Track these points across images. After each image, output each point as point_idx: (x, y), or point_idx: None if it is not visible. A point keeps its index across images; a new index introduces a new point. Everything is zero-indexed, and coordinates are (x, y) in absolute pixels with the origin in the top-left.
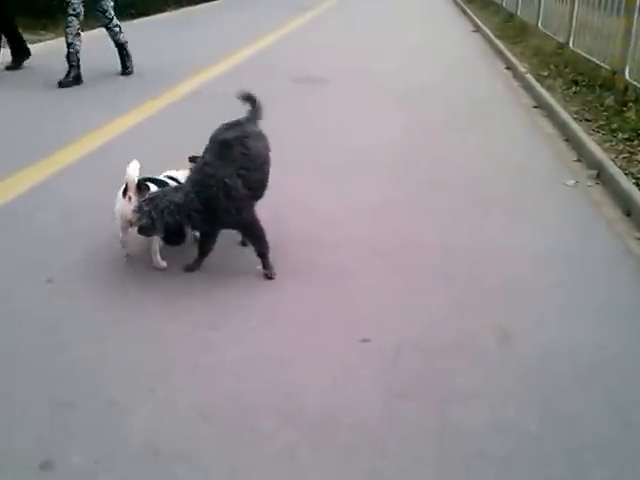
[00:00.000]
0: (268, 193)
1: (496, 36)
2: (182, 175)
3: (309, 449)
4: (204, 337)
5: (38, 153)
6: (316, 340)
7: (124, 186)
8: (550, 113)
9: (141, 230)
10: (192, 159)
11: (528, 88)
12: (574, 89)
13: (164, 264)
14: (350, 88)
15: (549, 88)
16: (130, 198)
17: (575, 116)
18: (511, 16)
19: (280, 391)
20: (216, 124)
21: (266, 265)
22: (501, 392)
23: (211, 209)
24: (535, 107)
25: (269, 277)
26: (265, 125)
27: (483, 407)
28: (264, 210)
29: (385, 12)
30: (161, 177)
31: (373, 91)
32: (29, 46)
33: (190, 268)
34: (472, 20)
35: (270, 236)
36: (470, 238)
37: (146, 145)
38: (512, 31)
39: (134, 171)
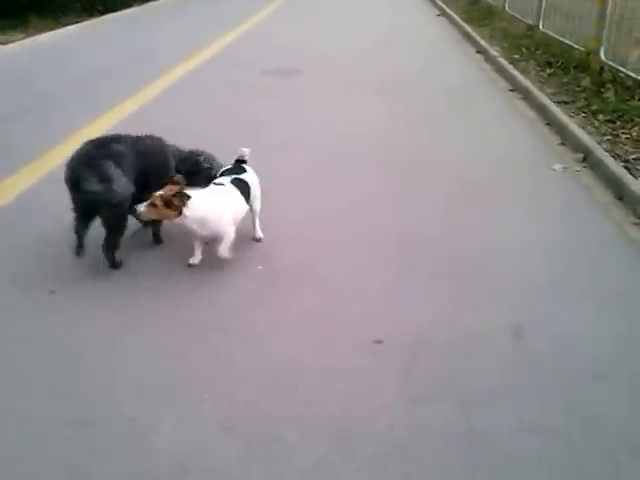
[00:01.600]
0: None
1: (462, 19)
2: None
3: (340, 460)
4: (215, 344)
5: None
6: (328, 343)
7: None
8: (527, 96)
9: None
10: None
11: (501, 71)
12: (548, 71)
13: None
14: (323, 80)
15: (523, 71)
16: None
17: (553, 98)
18: None
19: (300, 400)
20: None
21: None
22: (522, 391)
23: None
24: (511, 90)
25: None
26: (241, 120)
27: (506, 408)
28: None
29: (346, 3)
30: None
31: (346, 81)
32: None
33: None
34: (436, 4)
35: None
36: (465, 231)
37: None
38: (478, 14)
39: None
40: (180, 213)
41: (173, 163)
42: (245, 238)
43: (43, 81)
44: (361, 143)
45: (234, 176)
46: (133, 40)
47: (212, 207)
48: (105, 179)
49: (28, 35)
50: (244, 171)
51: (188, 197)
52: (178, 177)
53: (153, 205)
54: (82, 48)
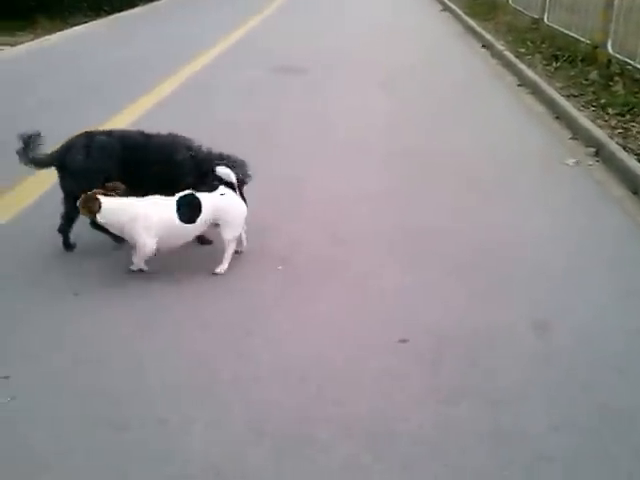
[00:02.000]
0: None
1: (466, 14)
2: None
3: (370, 460)
4: (239, 344)
5: None
6: (353, 342)
7: (227, 191)
8: (535, 90)
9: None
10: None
11: (508, 66)
12: (555, 64)
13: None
14: (329, 76)
15: (529, 65)
16: (242, 193)
17: (561, 92)
18: None
19: (328, 399)
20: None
21: None
22: (549, 388)
23: None
24: (519, 85)
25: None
26: (252, 119)
27: (534, 406)
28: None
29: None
30: None
31: (354, 77)
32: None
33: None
34: None
35: (284, 233)
36: (481, 226)
37: None
38: (481, 8)
39: (225, 169)
40: (94, 216)
41: (184, 162)
42: (264, 239)
43: (48, 84)
44: (369, 138)
45: (191, 192)
46: (141, 40)
47: (125, 214)
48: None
49: (37, 36)
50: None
51: (99, 203)
52: (117, 183)
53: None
54: (91, 48)
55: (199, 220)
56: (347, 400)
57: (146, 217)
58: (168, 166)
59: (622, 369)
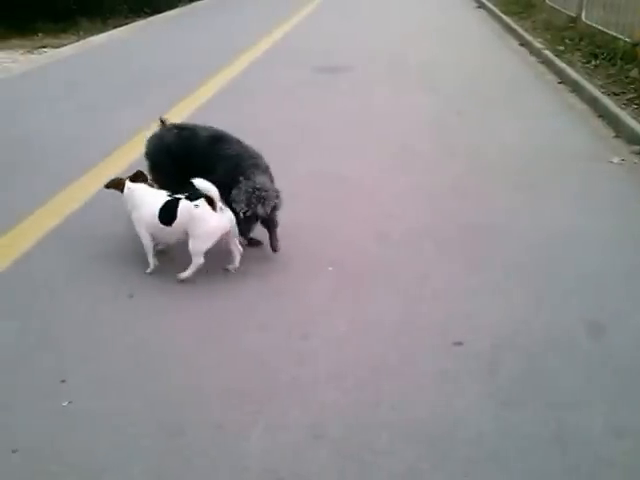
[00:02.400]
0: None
1: (501, 12)
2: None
3: (431, 465)
4: (295, 348)
5: None
6: (409, 346)
7: (206, 203)
8: (576, 89)
9: (258, 217)
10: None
11: (547, 64)
12: (594, 62)
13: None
14: (373, 74)
15: (569, 63)
16: (222, 208)
17: (602, 90)
18: None
19: (386, 404)
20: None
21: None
22: (609, 391)
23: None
24: (560, 83)
25: (277, 250)
26: (296, 119)
27: (595, 410)
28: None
29: None
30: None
31: (395, 76)
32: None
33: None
34: None
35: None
36: (529, 224)
37: None
38: (517, 6)
39: (205, 182)
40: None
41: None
42: (312, 240)
43: (89, 88)
44: (414, 136)
45: (177, 196)
46: (181, 41)
47: (130, 203)
48: None
49: (80, 38)
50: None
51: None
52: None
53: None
54: (132, 50)
55: (174, 224)
56: (405, 404)
57: (139, 209)
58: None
59: None
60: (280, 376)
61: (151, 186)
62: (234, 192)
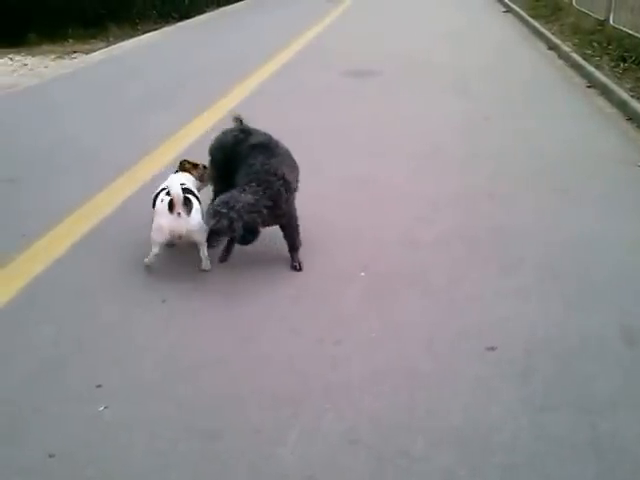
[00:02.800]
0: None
1: (529, 15)
2: (184, 179)
3: (467, 471)
4: (329, 353)
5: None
6: (442, 351)
7: (167, 202)
8: (605, 92)
9: (218, 232)
10: (183, 164)
11: (576, 67)
12: (623, 66)
13: (209, 266)
14: (401, 78)
15: (597, 66)
16: (179, 214)
17: (631, 94)
18: None
19: (420, 409)
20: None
21: (295, 258)
22: None
23: (276, 204)
24: (588, 86)
25: (297, 269)
26: (326, 123)
27: (630, 415)
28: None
29: (412, 0)
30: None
31: (424, 80)
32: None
33: (223, 259)
34: (500, 0)
35: (363, 237)
36: (559, 228)
37: None
38: (545, 10)
39: (178, 187)
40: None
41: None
42: (344, 244)
43: (120, 92)
44: (444, 139)
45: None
46: (210, 46)
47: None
48: None
49: (109, 43)
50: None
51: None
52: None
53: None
54: (161, 55)
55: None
56: (440, 409)
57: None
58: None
59: None
60: (314, 381)
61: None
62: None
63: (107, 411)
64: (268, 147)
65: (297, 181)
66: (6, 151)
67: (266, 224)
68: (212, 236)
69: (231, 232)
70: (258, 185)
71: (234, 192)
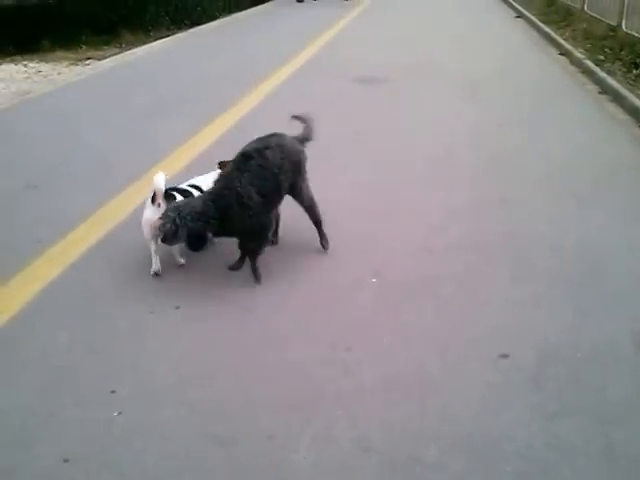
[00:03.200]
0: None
1: (541, 21)
2: (211, 179)
3: (481, 479)
4: (341, 359)
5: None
6: (454, 357)
7: (152, 195)
8: (617, 98)
9: (165, 237)
10: (221, 164)
11: (588, 73)
12: (635, 72)
13: (183, 260)
14: (413, 84)
15: (609, 72)
16: (159, 205)
17: None
18: (552, 0)
19: (433, 416)
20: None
21: (255, 269)
22: None
23: (227, 217)
24: (600, 93)
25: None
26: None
27: None
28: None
29: (424, 4)
30: (184, 186)
31: (436, 85)
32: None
33: (234, 267)
34: (512, 6)
35: (376, 243)
36: (574, 235)
37: None
38: (556, 15)
39: (161, 180)
40: None
41: None
42: (356, 250)
43: (133, 99)
44: (456, 146)
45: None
46: (222, 53)
47: None
48: None
49: (122, 50)
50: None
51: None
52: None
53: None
54: (173, 62)
55: None
56: (452, 417)
57: None
58: None
59: None
60: (326, 387)
61: None
62: None
63: (121, 416)
64: (247, 159)
65: (276, 195)
66: (23, 158)
67: (221, 234)
68: (164, 240)
69: (175, 237)
70: (211, 195)
71: (192, 199)
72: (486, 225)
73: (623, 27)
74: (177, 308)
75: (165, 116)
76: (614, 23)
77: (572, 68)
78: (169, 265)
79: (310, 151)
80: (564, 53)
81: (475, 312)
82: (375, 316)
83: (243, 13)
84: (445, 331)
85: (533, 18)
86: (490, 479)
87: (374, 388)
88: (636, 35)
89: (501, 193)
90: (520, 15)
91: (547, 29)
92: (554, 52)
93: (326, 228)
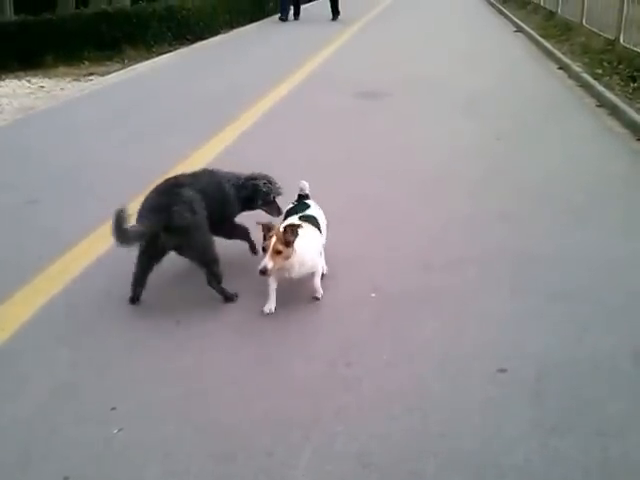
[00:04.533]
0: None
1: (540, 35)
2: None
3: None
4: (341, 375)
5: None
6: (454, 372)
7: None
8: (615, 112)
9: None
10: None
11: (586, 87)
12: (633, 85)
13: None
14: (412, 100)
15: (607, 86)
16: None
17: None
18: (551, 14)
19: (432, 430)
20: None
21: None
22: None
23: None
24: (598, 106)
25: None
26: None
27: None
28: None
29: (423, 19)
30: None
31: (435, 101)
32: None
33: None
34: (511, 20)
35: (374, 259)
36: (572, 249)
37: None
38: (555, 30)
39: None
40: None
41: (230, 191)
42: (355, 265)
43: (135, 115)
44: (455, 162)
45: (301, 214)
46: (224, 67)
47: (309, 241)
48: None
49: (125, 65)
50: (308, 207)
51: (299, 226)
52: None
53: (277, 252)
54: (177, 76)
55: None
56: (452, 432)
57: (319, 242)
58: (221, 203)
59: None
60: (326, 404)
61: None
62: (263, 186)
63: (122, 433)
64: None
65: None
66: (26, 173)
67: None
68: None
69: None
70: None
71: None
72: (485, 240)
73: (621, 41)
74: (178, 323)
75: (167, 132)
76: (612, 37)
77: (570, 82)
78: (169, 280)
79: (311, 166)
80: (562, 67)
81: (474, 327)
82: (375, 331)
83: (245, 28)
84: (444, 346)
85: (532, 32)
86: None
87: (374, 404)
88: (634, 49)
89: (500, 208)
90: (519, 29)
91: (546, 43)
92: (553, 66)
93: (326, 243)
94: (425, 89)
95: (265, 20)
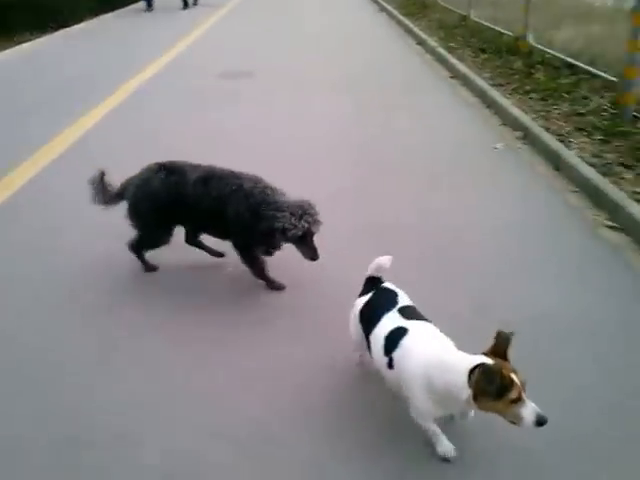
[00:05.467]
0: None
1: (401, 14)
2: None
3: None
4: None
5: None
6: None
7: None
8: (466, 82)
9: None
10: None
11: (441, 60)
12: (482, 56)
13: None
14: (278, 81)
15: (460, 58)
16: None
17: (490, 82)
18: None
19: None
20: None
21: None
22: None
23: None
24: (451, 77)
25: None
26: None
27: None
28: None
29: (291, 3)
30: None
31: (299, 80)
32: None
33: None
34: (375, 1)
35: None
36: (434, 216)
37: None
38: (414, 8)
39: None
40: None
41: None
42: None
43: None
44: (321, 142)
45: (400, 307)
46: (88, 55)
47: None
48: None
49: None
50: (396, 294)
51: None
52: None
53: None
54: (42, 63)
55: None
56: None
57: None
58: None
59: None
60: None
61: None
62: (282, 220)
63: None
64: (220, 174)
65: None
66: None
67: None
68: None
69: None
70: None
71: (280, 198)
72: (352, 215)
73: (472, 16)
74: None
75: (30, 117)
76: (465, 13)
77: (428, 56)
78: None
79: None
80: (420, 42)
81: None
82: None
83: (109, 15)
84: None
85: (393, 11)
86: None
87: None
88: (483, 23)
89: (361, 183)
90: (382, 9)
91: (406, 21)
92: (413, 41)
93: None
94: (293, 70)
95: (128, 8)
